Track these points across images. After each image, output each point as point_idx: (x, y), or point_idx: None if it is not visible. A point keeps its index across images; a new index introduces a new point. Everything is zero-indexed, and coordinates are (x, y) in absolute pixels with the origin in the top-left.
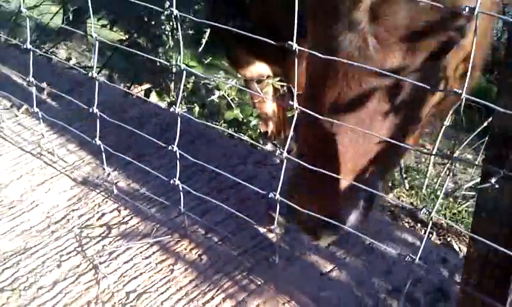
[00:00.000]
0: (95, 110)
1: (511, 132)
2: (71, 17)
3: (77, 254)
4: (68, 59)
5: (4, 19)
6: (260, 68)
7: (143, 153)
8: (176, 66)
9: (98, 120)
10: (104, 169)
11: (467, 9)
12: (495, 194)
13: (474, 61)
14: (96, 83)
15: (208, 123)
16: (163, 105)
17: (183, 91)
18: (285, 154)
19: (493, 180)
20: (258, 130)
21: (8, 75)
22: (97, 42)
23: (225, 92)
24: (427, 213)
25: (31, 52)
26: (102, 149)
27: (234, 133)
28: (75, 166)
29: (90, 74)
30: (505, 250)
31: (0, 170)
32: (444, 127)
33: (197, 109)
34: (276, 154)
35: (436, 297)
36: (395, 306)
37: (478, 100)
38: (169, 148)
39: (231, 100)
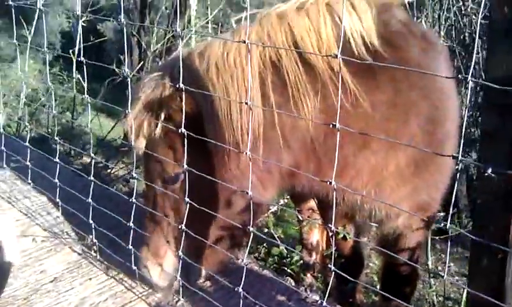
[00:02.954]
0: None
1: None
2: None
3: None
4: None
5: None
6: (311, 204)
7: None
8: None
9: None
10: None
11: None
12: None
13: None
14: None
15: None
16: None
17: None
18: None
19: None
20: (300, 263)
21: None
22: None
23: (267, 223)
24: None
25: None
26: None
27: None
28: (150, 292)
29: None
30: None
31: (91, 292)
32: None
33: None
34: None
35: None
36: None
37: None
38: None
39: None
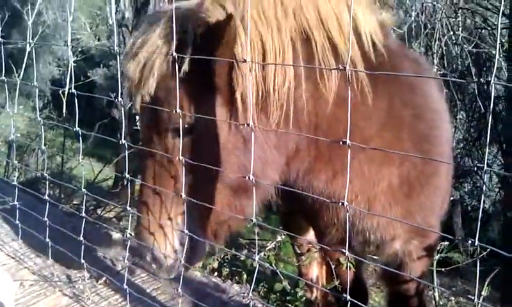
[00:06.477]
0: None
1: None
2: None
3: None
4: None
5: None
6: (310, 237)
7: None
8: None
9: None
10: None
11: None
12: None
13: None
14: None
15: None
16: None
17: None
18: None
19: None
20: (304, 299)
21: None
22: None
23: (268, 258)
24: None
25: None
26: None
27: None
28: None
29: None
30: None
31: None
32: None
33: (245, 277)
34: None
35: None
36: None
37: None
38: None
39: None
